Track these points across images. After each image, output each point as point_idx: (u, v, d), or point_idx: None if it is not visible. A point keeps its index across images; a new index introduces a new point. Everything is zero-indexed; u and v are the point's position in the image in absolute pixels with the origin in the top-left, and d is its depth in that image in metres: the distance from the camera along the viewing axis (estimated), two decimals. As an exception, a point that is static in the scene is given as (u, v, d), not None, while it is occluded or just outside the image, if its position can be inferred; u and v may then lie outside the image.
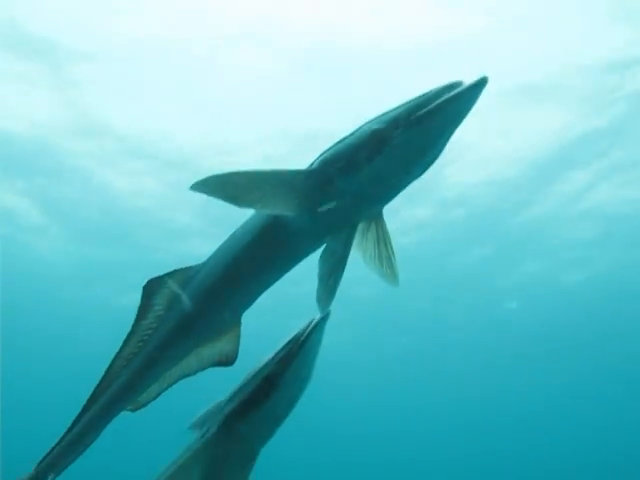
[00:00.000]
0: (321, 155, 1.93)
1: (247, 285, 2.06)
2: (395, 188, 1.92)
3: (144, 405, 2.21)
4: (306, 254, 2.04)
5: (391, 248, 2.03)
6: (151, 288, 2.12)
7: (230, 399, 2.27)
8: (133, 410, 2.21)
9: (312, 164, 1.94)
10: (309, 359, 2.20)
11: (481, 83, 1.77)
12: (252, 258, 2.01)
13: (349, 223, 1.98)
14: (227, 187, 1.84)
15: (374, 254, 2.03)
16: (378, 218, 2.04)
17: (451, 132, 1.82)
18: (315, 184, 1.88)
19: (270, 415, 2.23)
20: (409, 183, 1.92)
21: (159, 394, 2.21)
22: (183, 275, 2.12)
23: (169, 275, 2.12)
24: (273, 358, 2.21)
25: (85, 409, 2.11)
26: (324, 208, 1.89)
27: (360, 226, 2.02)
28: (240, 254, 2.02)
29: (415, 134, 1.79)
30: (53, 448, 2.10)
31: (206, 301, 2.08)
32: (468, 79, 1.85)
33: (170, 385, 2.21)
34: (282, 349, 2.21)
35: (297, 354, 2.16)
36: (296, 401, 2.26)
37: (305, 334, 2.18)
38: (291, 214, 1.89)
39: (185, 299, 2.09)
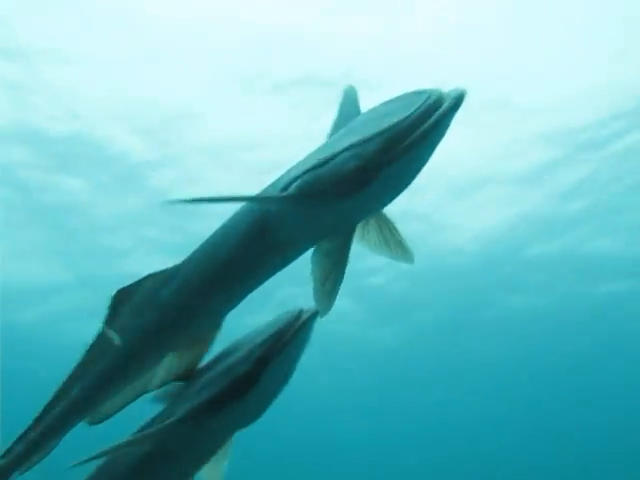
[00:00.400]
0: (295, 179, 1.75)
1: (232, 288, 1.92)
2: (386, 202, 1.82)
3: (103, 420, 2.05)
4: (299, 254, 1.90)
5: (398, 234, 1.89)
6: (120, 297, 1.96)
7: (201, 389, 2.07)
8: (91, 424, 2.05)
9: (284, 187, 1.77)
10: (293, 357, 2.03)
11: (461, 98, 1.64)
12: (238, 258, 1.86)
13: (343, 230, 1.86)
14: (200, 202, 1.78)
15: (379, 243, 1.90)
16: (378, 213, 1.90)
17: (434, 149, 1.72)
18: (293, 205, 1.75)
19: (240, 413, 2.06)
20: (400, 193, 1.81)
21: (120, 409, 2.07)
22: (156, 279, 1.96)
23: (142, 281, 1.96)
24: (253, 352, 2.01)
25: (40, 418, 1.99)
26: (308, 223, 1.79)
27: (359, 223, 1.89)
28: (226, 253, 1.88)
29: (402, 165, 1.67)
30: (11, 447, 1.98)
31: (188, 305, 1.94)
32: (442, 88, 1.78)
33: (131, 400, 2.06)
34: (265, 342, 2.01)
35: (280, 352, 1.98)
36: (273, 399, 2.08)
37: (292, 331, 1.99)
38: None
39: (161, 304, 1.94)
